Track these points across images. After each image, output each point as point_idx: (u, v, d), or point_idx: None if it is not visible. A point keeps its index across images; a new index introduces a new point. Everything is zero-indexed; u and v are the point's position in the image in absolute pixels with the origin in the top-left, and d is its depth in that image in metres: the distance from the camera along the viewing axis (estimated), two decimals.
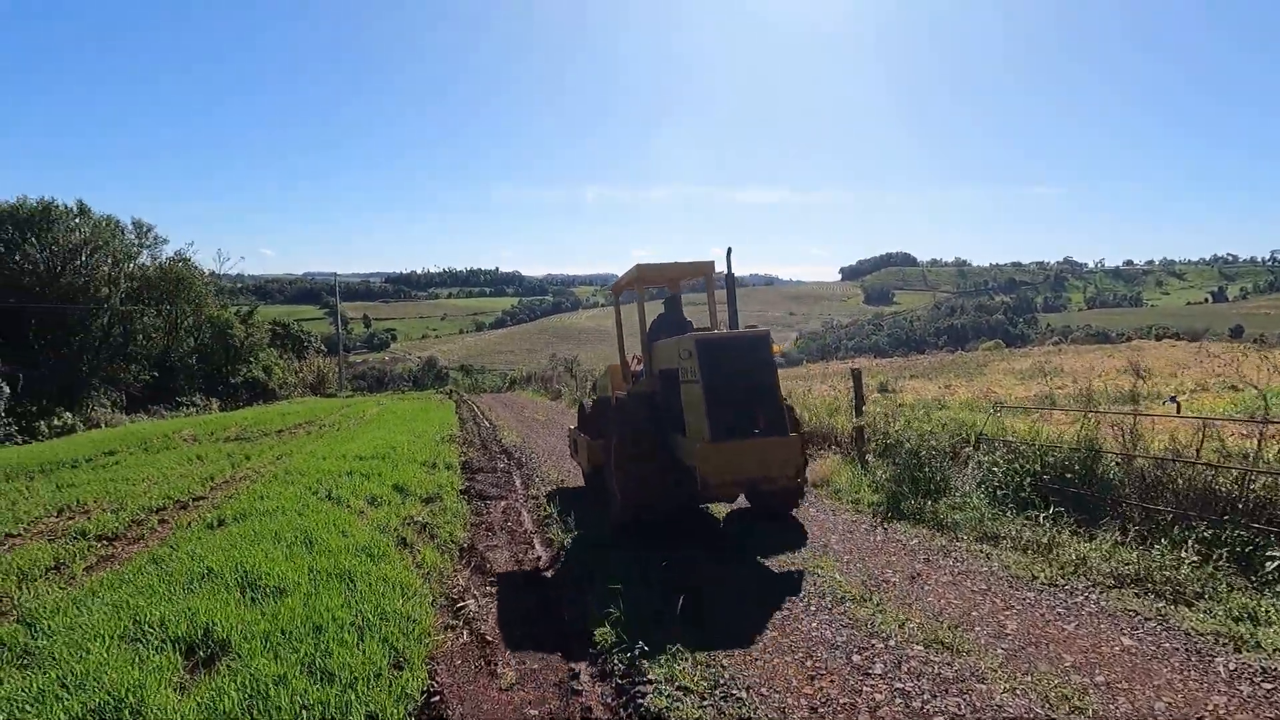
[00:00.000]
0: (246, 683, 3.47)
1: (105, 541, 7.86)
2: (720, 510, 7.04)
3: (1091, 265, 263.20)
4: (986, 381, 31.01)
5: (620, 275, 8.16)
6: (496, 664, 3.87)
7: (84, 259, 31.07)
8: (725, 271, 6.88)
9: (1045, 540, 5.13)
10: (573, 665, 3.85)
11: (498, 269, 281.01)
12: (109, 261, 32.31)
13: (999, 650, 3.62)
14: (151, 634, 4.33)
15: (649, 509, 6.23)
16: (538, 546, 6.26)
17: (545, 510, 7.34)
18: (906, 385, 28.53)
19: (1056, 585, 4.49)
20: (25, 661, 4.05)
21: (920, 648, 3.67)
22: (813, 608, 4.34)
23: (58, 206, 29.92)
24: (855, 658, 3.59)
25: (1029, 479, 6.01)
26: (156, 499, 9.83)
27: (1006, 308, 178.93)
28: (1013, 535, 5.40)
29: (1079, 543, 5.07)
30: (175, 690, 3.60)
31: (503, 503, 8.37)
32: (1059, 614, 4.07)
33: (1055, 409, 8.19)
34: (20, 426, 28.05)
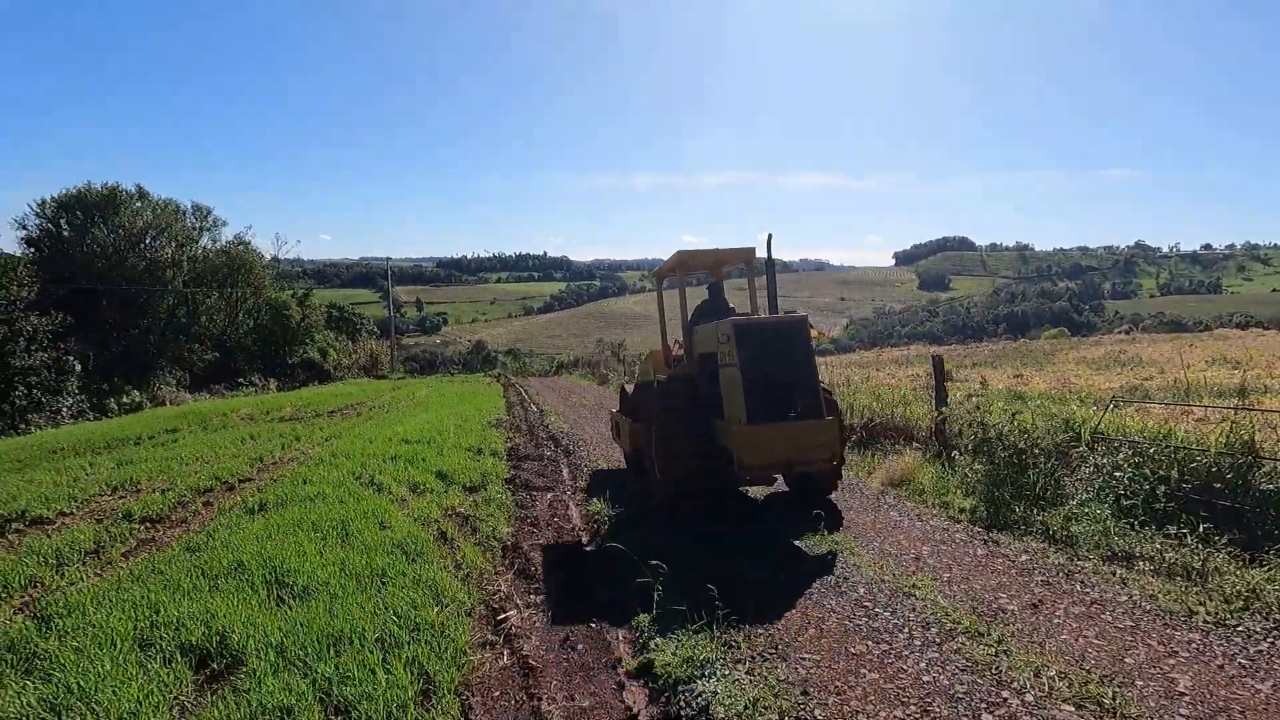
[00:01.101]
0: (249, 716, 2.97)
1: (149, 524, 7.74)
2: (775, 505, 6.36)
3: (1166, 250, 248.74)
4: (1058, 371, 29.17)
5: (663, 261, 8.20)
6: (541, 697, 3.28)
7: (148, 242, 32.00)
8: (766, 257, 6.88)
9: (1198, 565, 4.24)
10: (629, 704, 3.23)
11: (546, 254, 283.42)
12: (172, 245, 33.23)
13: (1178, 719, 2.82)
14: (164, 640, 3.91)
15: (688, 491, 6.23)
16: (586, 545, 5.67)
17: (595, 507, 6.74)
18: (970, 374, 27.05)
19: (1225, 625, 3.62)
20: (28, 667, 3.68)
21: (1070, 709, 2.89)
22: (916, 641, 3.59)
23: (122, 191, 30.80)
24: (986, 719, 2.85)
25: (1163, 487, 5.08)
26: (205, 479, 9.74)
27: (1071, 294, 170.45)
28: (1150, 556, 4.52)
29: (1242, 570, 4.18)
30: (174, 715, 3.14)
31: (549, 494, 7.83)
32: (1242, 667, 3.21)
33: (1191, 405, 7.15)
34: (92, 403, 29.22)
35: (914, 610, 3.96)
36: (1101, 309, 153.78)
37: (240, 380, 37.37)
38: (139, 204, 31.41)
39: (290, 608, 4.35)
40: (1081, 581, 4.30)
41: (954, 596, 4.15)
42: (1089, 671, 3.19)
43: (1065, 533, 5.06)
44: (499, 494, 7.65)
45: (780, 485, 7.06)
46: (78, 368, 28.80)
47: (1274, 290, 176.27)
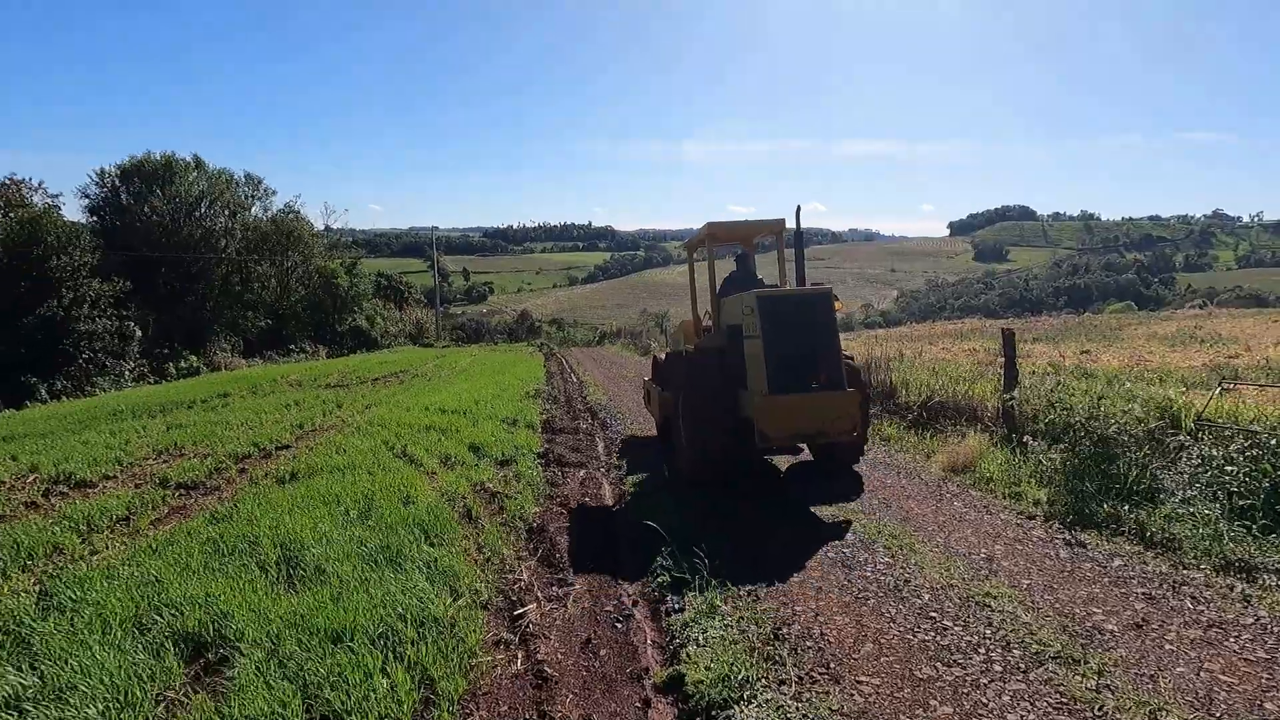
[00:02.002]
0: None
1: (183, 491, 7.76)
2: (806, 475, 5.81)
3: (1246, 219, 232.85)
4: (1128, 348, 27.37)
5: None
6: (554, 713, 2.87)
7: (203, 211, 32.68)
8: (795, 229, 6.98)
9: None
10: None
11: (590, 224, 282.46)
12: (225, 213, 33.88)
13: None
14: (161, 625, 3.65)
15: (713, 460, 6.30)
16: (616, 530, 5.24)
17: (629, 486, 6.30)
18: (1032, 349, 25.55)
19: None
20: (19, 653, 3.45)
21: None
22: (996, 666, 3.03)
23: (178, 160, 31.39)
24: None
25: None
26: (245, 445, 9.75)
27: (1140, 266, 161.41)
28: (1277, 569, 3.83)
29: None
30: (153, 716, 2.85)
31: (581, 471, 7.45)
32: None
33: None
34: (152, 367, 30.30)
35: (990, 625, 3.39)
36: (1172, 282, 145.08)
37: (291, 347, 38.30)
38: (195, 174, 32.00)
39: (297, 592, 4.06)
40: (1193, 597, 3.64)
41: (1038, 610, 3.55)
42: None
43: (1166, 535, 4.37)
44: (530, 469, 7.30)
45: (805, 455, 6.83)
46: (138, 333, 29.81)
47: None
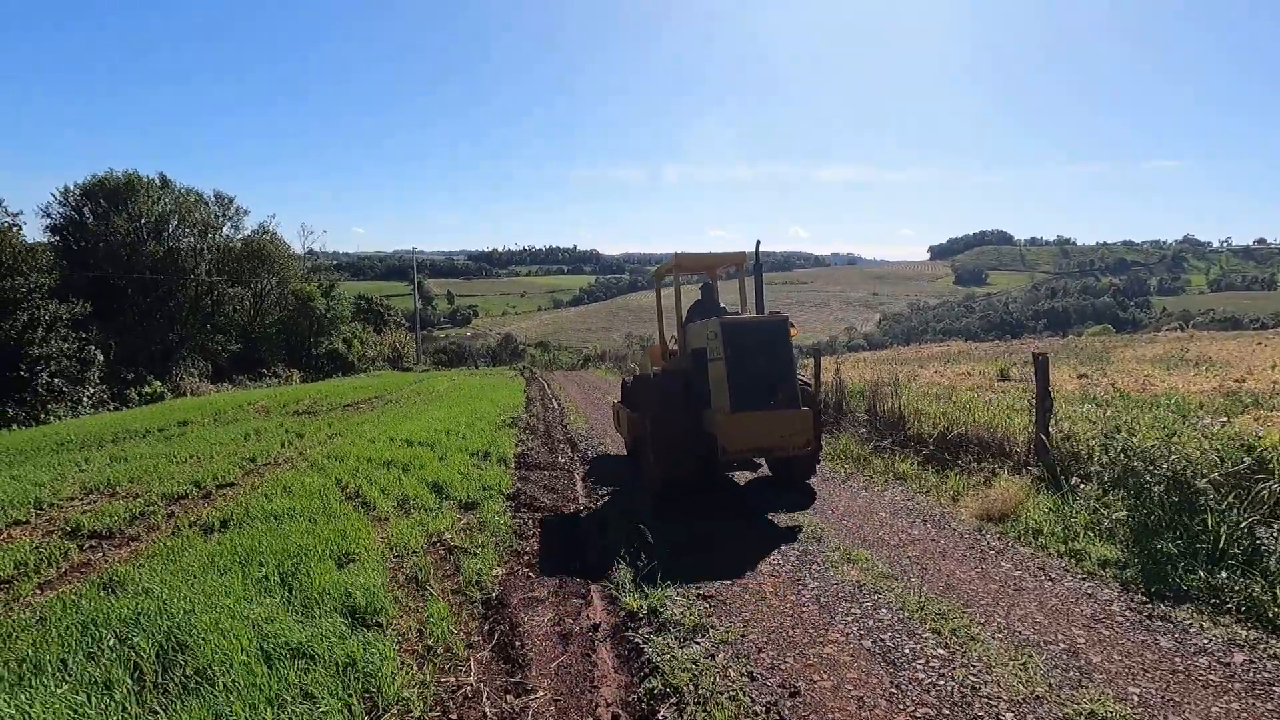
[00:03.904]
0: None
1: (95, 541, 6.78)
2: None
3: (1216, 244, 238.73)
4: (1124, 371, 26.84)
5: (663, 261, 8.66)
6: None
7: (170, 230, 31.44)
8: (755, 261, 7.51)
9: None
10: None
11: (575, 247, 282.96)
12: (194, 233, 32.66)
13: None
14: None
15: (680, 474, 6.68)
16: (598, 606, 4.24)
17: (613, 535, 5.31)
18: (1027, 374, 24.92)
19: None
20: None
21: None
22: None
23: (140, 178, 30.22)
24: None
25: None
26: (185, 483, 8.79)
27: (1116, 290, 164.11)
28: None
29: None
30: None
31: (556, 519, 6.46)
32: None
33: None
34: (114, 393, 28.82)
35: None
36: (1148, 305, 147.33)
37: (264, 371, 36.88)
38: (160, 192, 30.81)
39: (159, 714, 3.03)
40: None
41: None
42: None
43: None
44: (496, 517, 6.30)
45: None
46: (100, 357, 28.36)
47: None
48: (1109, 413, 6.05)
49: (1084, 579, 4.21)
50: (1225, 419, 5.93)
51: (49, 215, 31.23)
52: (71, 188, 30.70)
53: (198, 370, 33.49)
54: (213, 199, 34.00)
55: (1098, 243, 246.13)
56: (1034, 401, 6.53)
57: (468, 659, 3.53)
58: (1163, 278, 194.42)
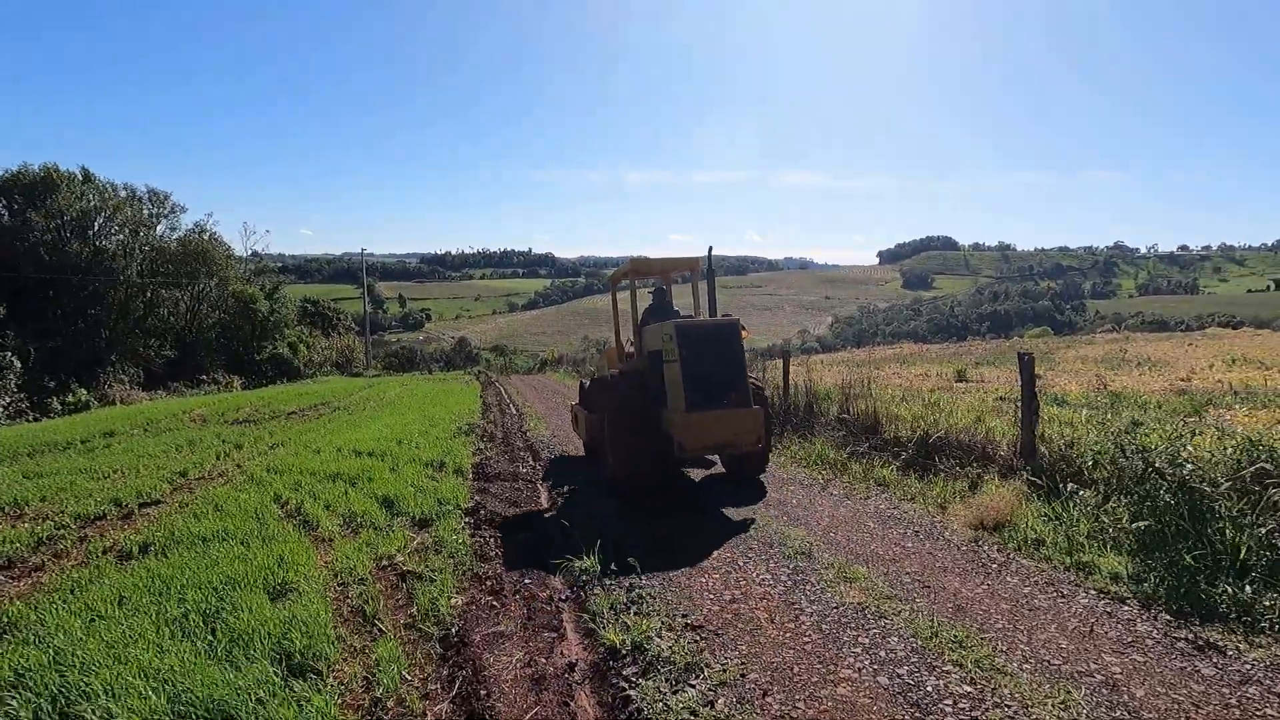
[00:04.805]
0: None
1: None
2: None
3: (1144, 251, 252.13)
4: (1071, 371, 27.61)
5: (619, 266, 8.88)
6: None
7: (96, 228, 29.43)
8: (707, 267, 7.91)
9: None
10: None
11: (531, 250, 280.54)
12: (123, 232, 30.67)
13: None
14: None
15: (638, 473, 6.80)
16: (572, 641, 3.75)
17: (584, 564, 4.82)
18: (982, 374, 25.33)
19: None
20: None
21: None
22: None
23: (60, 172, 28.20)
24: None
25: None
26: (103, 502, 7.92)
27: (1053, 294, 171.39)
28: None
29: None
30: None
31: (521, 535, 5.94)
32: None
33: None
34: (33, 402, 26.79)
35: None
36: (1083, 308, 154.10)
37: (202, 378, 34.89)
38: (83, 187, 28.80)
39: None
40: None
41: None
42: None
43: None
44: (455, 535, 5.74)
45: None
46: (17, 364, 26.35)
47: (1249, 291, 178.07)
48: (1097, 415, 5.82)
49: (1099, 595, 3.92)
50: (1196, 417, 5.79)
51: None
52: None
53: (128, 377, 31.42)
54: (146, 195, 32.01)
55: (1036, 248, 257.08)
56: (1018, 403, 6.31)
57: (424, 714, 3.00)
58: (1095, 282, 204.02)
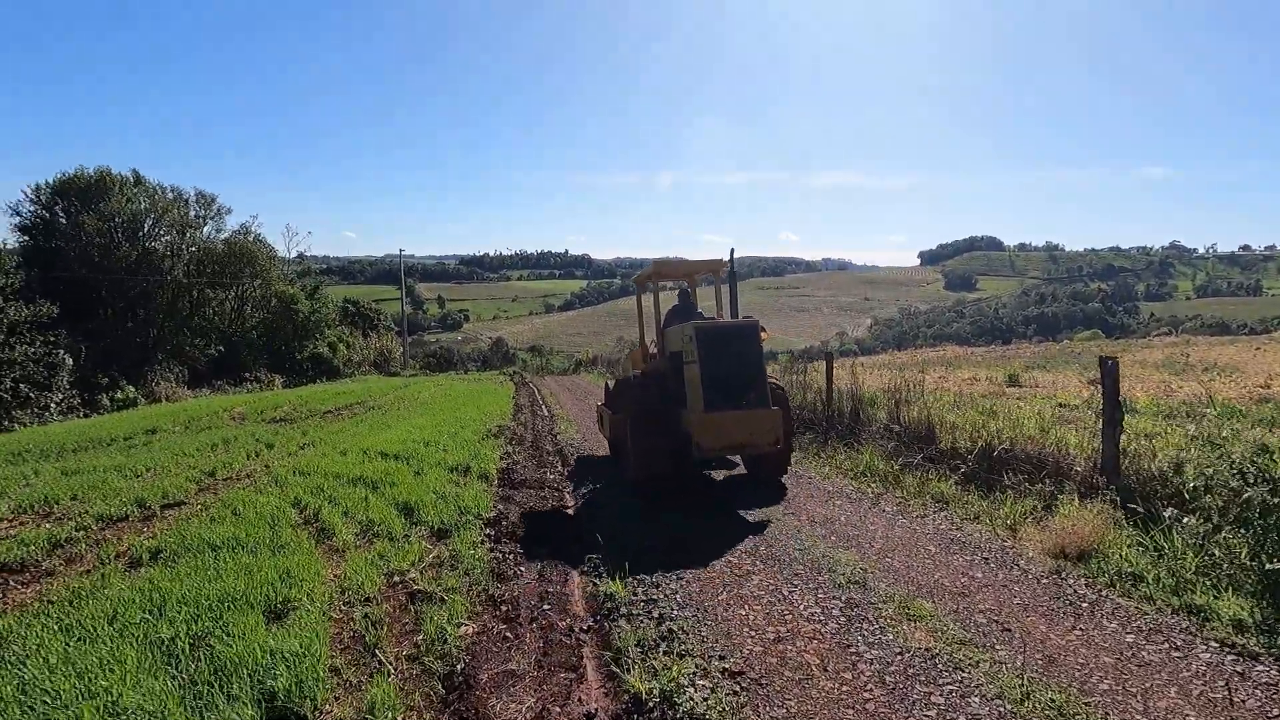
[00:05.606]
0: None
1: (1, 575, 5.73)
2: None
3: (1202, 251, 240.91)
4: (1131, 378, 26.10)
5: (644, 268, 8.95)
6: None
7: (146, 230, 30.17)
8: (729, 269, 7.88)
9: None
10: None
11: (567, 252, 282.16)
12: (172, 233, 31.40)
13: None
14: None
15: (658, 474, 6.80)
16: (593, 683, 3.27)
17: (612, 587, 4.33)
18: (1037, 379, 24.12)
19: None
20: None
21: None
22: None
23: (113, 175, 28.97)
24: None
25: None
26: (128, 503, 7.85)
27: (1105, 295, 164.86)
28: None
29: None
30: None
31: (543, 549, 5.48)
32: None
33: None
34: (84, 399, 27.54)
35: None
36: (1136, 311, 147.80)
37: (245, 376, 35.57)
38: (134, 190, 29.55)
39: None
40: None
41: None
42: None
43: None
44: (472, 550, 5.32)
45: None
46: (69, 362, 27.10)
47: None
48: (1176, 423, 5.09)
49: (1223, 649, 3.26)
50: None
51: (19, 214, 29.97)
52: (43, 185, 29.44)
53: (174, 375, 32.17)
54: (194, 197, 32.75)
55: (1086, 249, 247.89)
56: (1098, 412, 5.61)
57: None
58: (1150, 284, 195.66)
